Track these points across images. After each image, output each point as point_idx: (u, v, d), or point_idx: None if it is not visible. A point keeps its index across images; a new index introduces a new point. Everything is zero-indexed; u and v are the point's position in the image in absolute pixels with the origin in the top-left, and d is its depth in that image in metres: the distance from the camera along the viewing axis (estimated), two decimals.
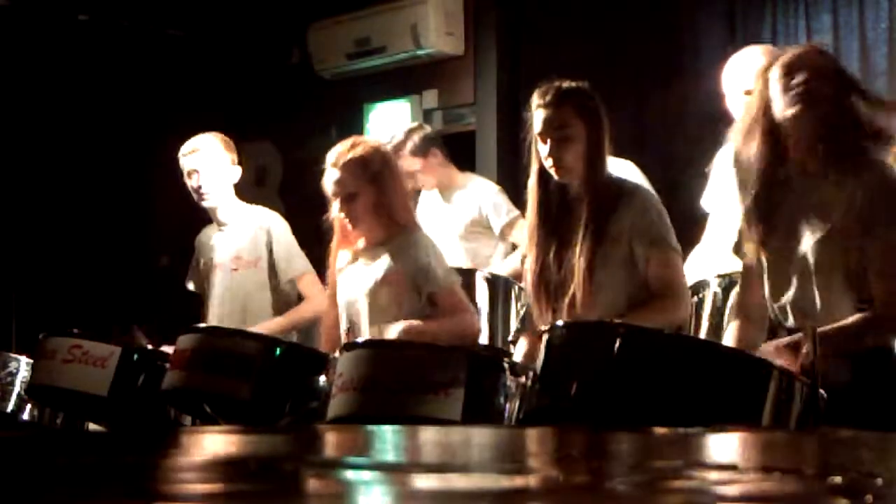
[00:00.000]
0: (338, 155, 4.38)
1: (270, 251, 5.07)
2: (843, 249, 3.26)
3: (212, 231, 5.23)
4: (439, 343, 3.97)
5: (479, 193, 5.81)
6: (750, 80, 4.74)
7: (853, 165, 3.29)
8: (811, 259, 3.29)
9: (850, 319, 3.26)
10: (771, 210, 3.37)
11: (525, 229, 4.03)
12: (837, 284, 3.27)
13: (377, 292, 4.31)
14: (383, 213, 4.36)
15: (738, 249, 3.53)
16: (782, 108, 3.31)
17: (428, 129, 6.08)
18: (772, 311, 3.41)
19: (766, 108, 3.35)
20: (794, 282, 3.33)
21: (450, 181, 5.88)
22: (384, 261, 4.33)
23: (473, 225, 5.76)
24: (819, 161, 3.31)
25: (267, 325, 4.89)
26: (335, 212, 4.39)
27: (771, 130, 3.34)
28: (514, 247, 5.71)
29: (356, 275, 4.39)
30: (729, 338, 3.53)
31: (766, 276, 3.40)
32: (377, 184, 4.34)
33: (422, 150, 5.75)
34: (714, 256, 4.77)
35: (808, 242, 3.30)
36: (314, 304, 4.96)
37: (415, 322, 4.21)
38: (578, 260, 3.78)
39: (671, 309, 3.77)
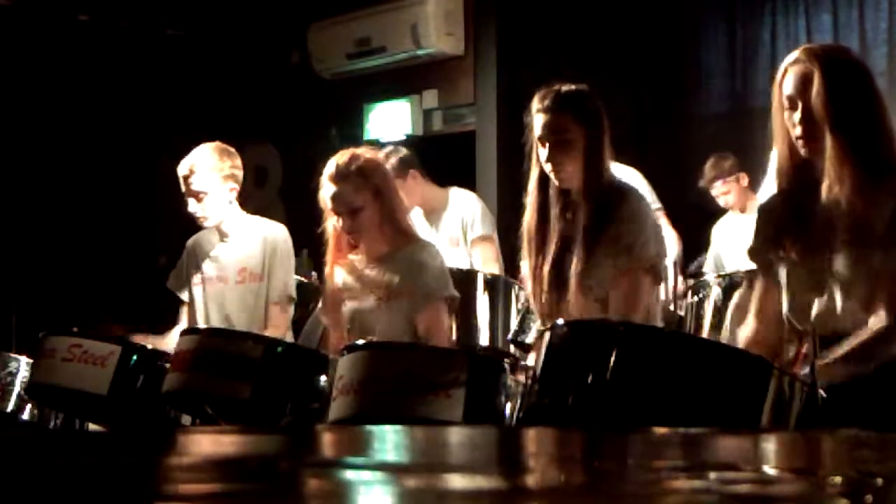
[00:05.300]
0: (337, 169, 4.27)
1: (272, 268, 4.91)
2: (870, 259, 3.19)
3: (213, 240, 5.04)
4: None
5: (461, 207, 5.78)
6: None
7: (879, 175, 3.22)
8: (837, 268, 3.22)
9: (871, 331, 3.19)
10: (799, 216, 3.30)
11: (524, 233, 3.98)
12: (863, 295, 3.20)
13: (388, 305, 4.26)
14: (388, 224, 4.30)
15: (754, 254, 3.45)
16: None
17: (404, 151, 6.01)
18: (789, 317, 3.33)
19: (784, 122, 3.29)
20: (818, 290, 3.25)
21: (432, 201, 5.82)
22: (393, 274, 4.27)
23: (459, 237, 5.75)
24: (847, 174, 3.22)
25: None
26: (334, 226, 4.31)
27: (792, 143, 3.30)
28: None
29: (364, 289, 4.33)
30: (744, 337, 3.43)
31: (786, 284, 3.33)
32: (380, 196, 4.28)
33: (399, 173, 5.59)
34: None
35: (834, 251, 3.22)
36: (279, 333, 4.72)
37: None
38: (574, 267, 3.76)
39: None
